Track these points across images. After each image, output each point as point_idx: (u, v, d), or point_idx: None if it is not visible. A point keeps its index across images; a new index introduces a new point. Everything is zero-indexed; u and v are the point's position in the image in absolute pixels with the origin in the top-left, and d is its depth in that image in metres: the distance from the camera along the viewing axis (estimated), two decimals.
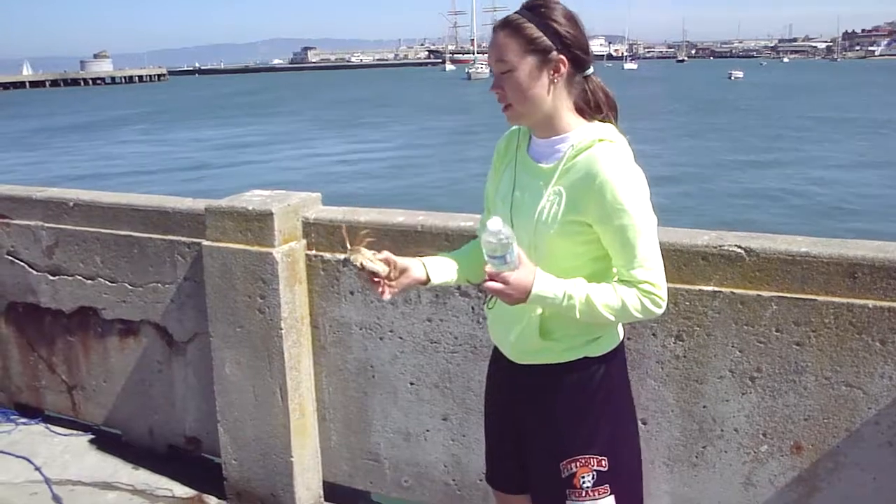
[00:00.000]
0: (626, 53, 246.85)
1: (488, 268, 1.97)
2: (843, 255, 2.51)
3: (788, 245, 2.59)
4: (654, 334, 2.77)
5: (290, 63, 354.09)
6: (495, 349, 2.41)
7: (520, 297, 1.99)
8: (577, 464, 2.20)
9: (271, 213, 3.30)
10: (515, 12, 2.07)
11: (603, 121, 2.14)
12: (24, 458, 4.11)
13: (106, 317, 4.09)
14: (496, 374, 2.47)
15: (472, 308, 3.09)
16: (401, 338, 3.29)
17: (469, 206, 3.43)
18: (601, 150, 2.02)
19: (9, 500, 3.74)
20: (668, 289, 2.66)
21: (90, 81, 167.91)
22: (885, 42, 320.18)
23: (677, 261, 2.70)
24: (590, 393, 2.21)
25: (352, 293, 3.35)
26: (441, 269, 2.30)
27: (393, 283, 2.16)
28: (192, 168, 32.18)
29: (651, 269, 2.01)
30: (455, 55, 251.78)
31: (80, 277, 4.11)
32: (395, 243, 3.08)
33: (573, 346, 2.17)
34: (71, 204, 4.10)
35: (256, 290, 3.35)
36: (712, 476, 2.79)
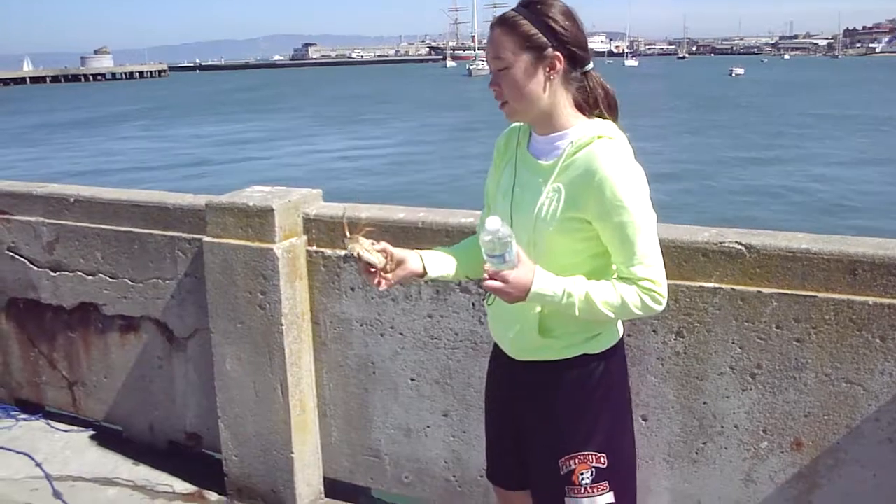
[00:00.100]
0: (626, 50, 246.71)
1: (487, 266, 1.98)
2: (844, 252, 2.51)
3: (789, 242, 2.59)
4: (654, 331, 2.77)
5: (291, 59, 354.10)
6: (495, 346, 2.41)
7: (519, 295, 1.99)
8: (576, 460, 2.20)
9: (272, 210, 3.30)
10: (512, 9, 2.07)
11: (603, 117, 2.13)
12: (24, 453, 4.11)
13: (106, 313, 4.09)
14: (496, 370, 2.47)
15: (473, 304, 3.09)
16: (401, 334, 3.29)
17: (469, 203, 3.43)
18: (600, 146, 2.02)
19: (9, 496, 3.74)
20: (669, 285, 2.66)
21: (90, 77, 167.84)
22: (887, 39, 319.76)
23: (678, 257, 2.70)
24: (589, 390, 2.21)
25: (352, 289, 3.35)
26: (438, 262, 2.31)
27: (389, 276, 2.16)
28: (193, 164, 32.18)
29: (651, 266, 2.01)
30: (456, 52, 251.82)
31: (80, 273, 4.12)
32: (396, 239, 3.07)
33: (572, 344, 2.17)
34: (71, 200, 4.10)
35: (257, 287, 3.35)
36: (712, 472, 2.79)
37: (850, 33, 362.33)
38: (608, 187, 1.96)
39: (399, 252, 2.19)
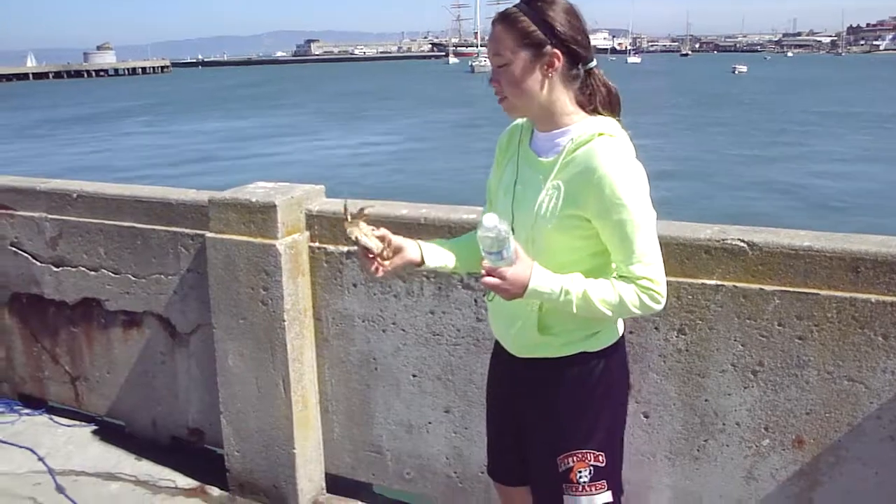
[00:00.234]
0: (629, 47, 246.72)
1: (485, 263, 1.98)
2: (846, 250, 2.51)
3: (791, 239, 2.59)
4: (656, 328, 2.77)
5: (294, 55, 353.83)
6: (497, 343, 2.41)
7: (516, 292, 2.00)
8: (575, 458, 2.21)
9: (275, 205, 3.30)
10: (514, 6, 2.08)
11: (605, 115, 2.13)
12: (27, 448, 4.12)
13: (109, 308, 4.10)
14: (497, 367, 2.47)
15: (475, 301, 3.09)
16: (403, 330, 3.30)
17: (472, 199, 3.42)
18: (601, 144, 2.01)
19: (12, 491, 3.75)
20: (671, 283, 2.67)
21: (93, 73, 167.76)
22: (890, 36, 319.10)
23: (680, 254, 2.70)
24: (589, 388, 2.21)
25: (355, 285, 3.36)
26: (437, 253, 2.32)
27: (386, 263, 2.17)
28: (196, 160, 32.18)
29: (650, 265, 2.01)
30: (458, 48, 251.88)
31: (83, 269, 4.12)
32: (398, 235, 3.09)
33: (571, 341, 2.18)
34: (74, 195, 4.11)
35: (259, 282, 3.36)
36: (714, 469, 2.80)
37: (853, 31, 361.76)
38: (607, 185, 1.95)
39: (398, 240, 2.21)
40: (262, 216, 3.33)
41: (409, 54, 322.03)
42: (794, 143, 33.85)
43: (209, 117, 54.13)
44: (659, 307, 2.05)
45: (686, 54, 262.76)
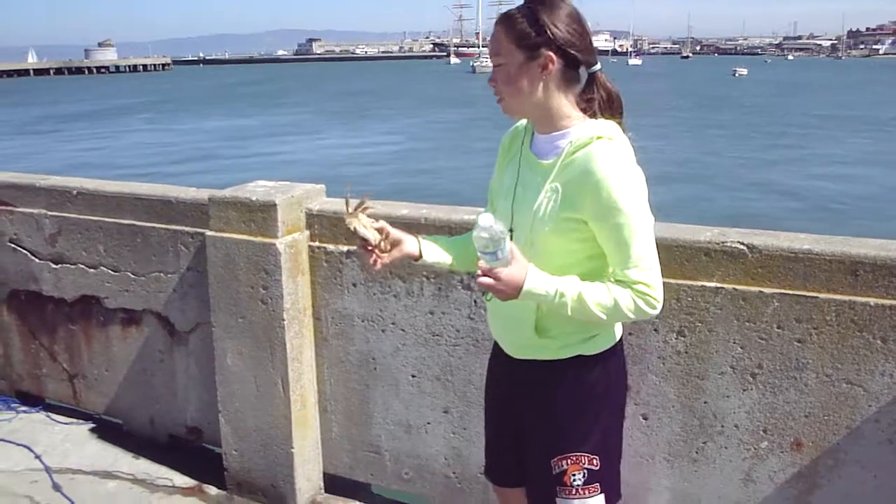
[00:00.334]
0: (630, 49, 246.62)
1: (481, 263, 1.98)
2: (846, 253, 2.51)
3: (791, 242, 2.59)
4: (655, 330, 2.77)
5: (295, 54, 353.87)
6: (496, 344, 2.41)
7: (511, 293, 2.00)
8: (569, 461, 2.21)
9: (275, 204, 3.30)
10: (516, 7, 2.08)
11: (606, 118, 2.12)
12: (24, 446, 4.12)
13: (108, 306, 4.09)
14: (496, 368, 2.48)
15: (475, 301, 3.09)
16: (403, 330, 3.30)
17: (473, 199, 3.43)
18: (599, 147, 2.01)
19: (9, 488, 3.75)
20: (671, 284, 2.68)
21: (94, 70, 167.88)
22: (890, 41, 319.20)
23: (680, 256, 2.70)
24: (585, 391, 2.21)
25: (354, 285, 3.35)
26: (435, 249, 2.34)
27: (383, 255, 2.20)
28: (197, 158, 32.18)
29: (646, 270, 2.00)
30: (460, 48, 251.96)
31: (82, 266, 4.12)
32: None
33: (568, 344, 2.17)
34: (74, 192, 4.11)
35: (259, 281, 3.36)
36: (712, 472, 2.80)
37: (853, 34, 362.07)
38: (604, 189, 1.95)
39: (396, 233, 2.24)
40: (262, 215, 3.33)
41: (410, 54, 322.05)
42: (794, 145, 33.88)
43: (210, 115, 54.13)
44: (655, 312, 2.03)
45: (687, 56, 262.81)
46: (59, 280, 4.23)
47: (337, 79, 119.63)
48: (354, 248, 3.31)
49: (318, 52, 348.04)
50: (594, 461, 2.21)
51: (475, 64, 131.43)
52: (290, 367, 3.39)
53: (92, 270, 4.09)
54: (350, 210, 2.15)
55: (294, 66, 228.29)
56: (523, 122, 2.27)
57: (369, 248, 2.18)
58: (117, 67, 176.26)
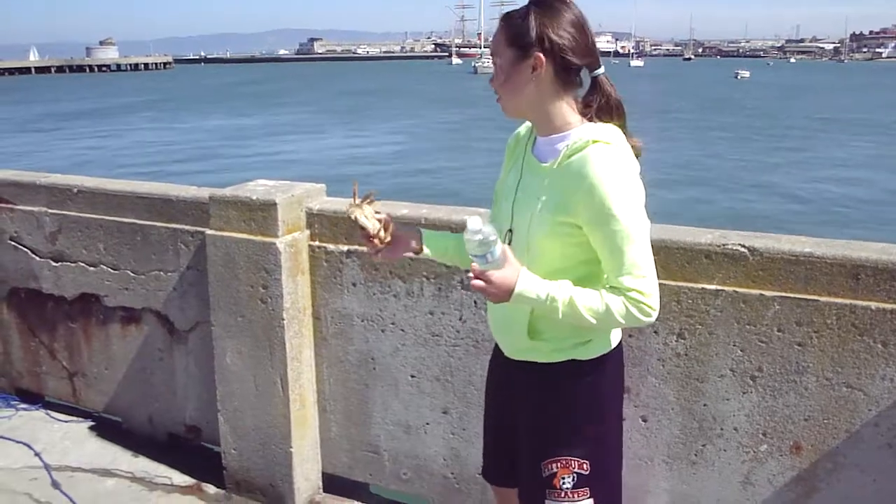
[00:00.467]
0: (632, 50, 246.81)
1: (474, 265, 1.99)
2: (847, 257, 2.50)
3: (792, 245, 2.59)
4: (655, 332, 2.76)
5: (296, 54, 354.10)
6: (496, 344, 2.41)
7: (502, 296, 2.00)
8: (558, 464, 2.20)
9: (275, 204, 3.30)
10: (519, 7, 2.08)
11: (605, 121, 2.10)
12: (23, 443, 4.12)
13: (108, 304, 4.09)
14: (495, 368, 2.48)
15: (475, 302, 3.09)
16: (402, 330, 3.29)
17: (474, 200, 3.43)
18: (594, 151, 1.99)
19: (8, 486, 3.75)
20: (671, 287, 2.68)
21: (95, 68, 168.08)
22: (893, 44, 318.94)
23: (680, 259, 2.70)
24: (578, 396, 2.20)
25: (354, 285, 3.35)
26: (438, 244, 2.39)
27: (381, 246, 2.25)
28: (198, 157, 32.19)
29: (640, 278, 1.97)
30: (461, 49, 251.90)
31: (82, 264, 4.12)
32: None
33: (561, 348, 2.17)
34: (75, 190, 4.10)
35: (259, 280, 3.35)
36: (711, 474, 2.79)
37: (856, 38, 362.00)
38: (597, 194, 1.93)
39: (400, 229, 2.30)
40: (262, 214, 3.33)
41: (412, 54, 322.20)
42: (796, 148, 33.89)
43: (211, 114, 54.14)
44: (649, 320, 2.01)
45: (689, 58, 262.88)
46: (59, 278, 4.23)
47: (338, 78, 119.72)
48: (355, 247, 3.31)
49: (320, 51, 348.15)
50: (584, 466, 2.20)
51: (477, 64, 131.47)
52: (290, 366, 3.39)
53: (92, 268, 4.09)
54: (356, 201, 2.21)
55: (295, 65, 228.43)
56: (528, 123, 2.27)
57: (370, 237, 2.23)
58: (119, 66, 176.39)
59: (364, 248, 3.25)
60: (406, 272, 3.21)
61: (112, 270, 4.02)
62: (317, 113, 54.28)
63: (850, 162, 30.03)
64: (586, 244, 2.03)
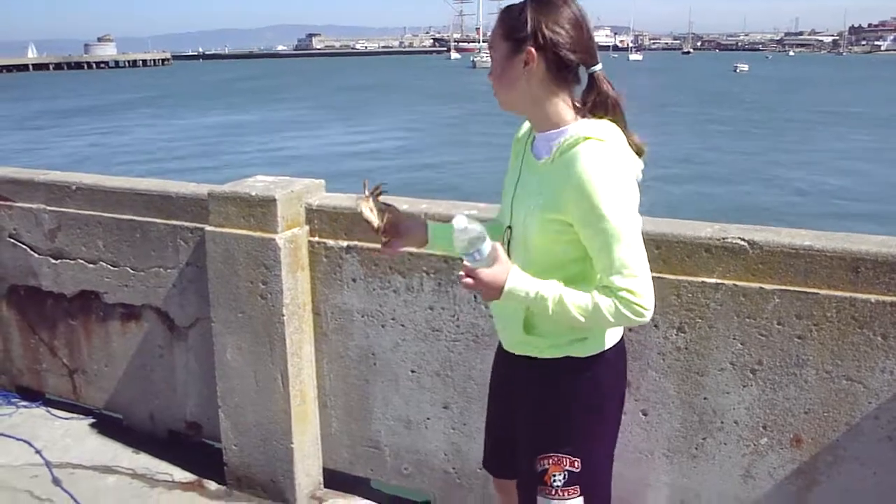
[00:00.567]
0: (631, 44, 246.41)
1: (465, 263, 2.00)
2: (847, 250, 2.50)
3: (792, 238, 2.59)
4: (655, 326, 2.76)
5: (295, 49, 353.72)
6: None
7: (492, 293, 2.02)
8: (550, 461, 2.20)
9: (274, 199, 3.30)
10: (521, 1, 2.07)
11: (599, 117, 2.08)
12: (24, 440, 4.12)
13: (108, 301, 4.09)
14: (499, 362, 2.48)
15: (475, 297, 3.09)
16: (402, 325, 3.29)
17: (474, 194, 3.43)
18: (585, 148, 1.96)
19: (9, 483, 3.75)
20: (671, 281, 2.68)
21: (94, 65, 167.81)
22: (892, 37, 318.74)
23: (680, 252, 2.70)
24: (571, 393, 2.19)
25: (354, 280, 3.35)
26: (444, 233, 2.36)
27: (384, 238, 2.34)
28: (196, 152, 32.17)
29: (630, 277, 1.93)
30: (460, 43, 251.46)
31: (81, 261, 4.11)
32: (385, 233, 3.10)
33: (556, 344, 2.16)
34: (73, 187, 4.10)
35: (259, 276, 3.35)
36: (712, 468, 2.80)
37: (855, 30, 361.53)
38: (586, 192, 1.91)
39: (404, 223, 2.37)
40: (261, 210, 3.33)
41: (410, 49, 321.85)
42: (795, 141, 33.87)
43: (210, 110, 54.08)
44: (642, 320, 1.97)
45: (688, 52, 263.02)
46: (58, 275, 4.22)
47: (337, 74, 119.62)
48: (355, 243, 3.31)
49: (318, 47, 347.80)
50: (575, 464, 2.19)
51: (475, 59, 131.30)
52: (290, 362, 3.39)
53: (91, 265, 4.09)
54: (366, 193, 2.28)
55: (294, 61, 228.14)
56: (524, 120, 2.26)
57: (374, 229, 2.30)
58: (117, 63, 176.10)
59: (364, 244, 3.28)
60: (406, 267, 3.21)
61: (111, 267, 4.02)
62: (315, 109, 54.24)
63: (850, 155, 30.02)
64: (578, 242, 2.02)
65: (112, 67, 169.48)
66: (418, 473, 3.44)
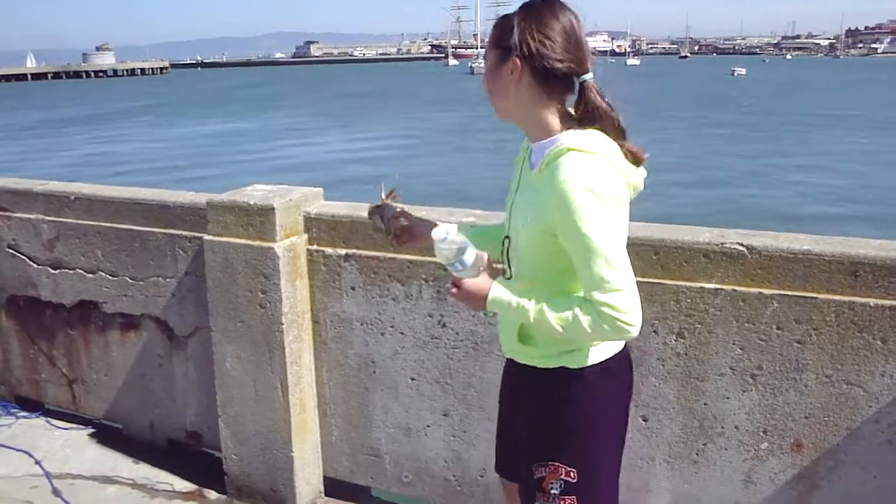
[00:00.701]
0: (628, 49, 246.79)
1: (453, 273, 2.04)
2: (845, 254, 2.50)
3: (790, 243, 2.59)
4: (655, 331, 2.76)
5: (293, 57, 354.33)
6: None
7: (475, 302, 2.06)
8: (547, 469, 2.19)
9: (273, 208, 3.30)
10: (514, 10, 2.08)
11: (586, 127, 2.04)
12: (24, 451, 4.12)
13: (107, 310, 4.09)
14: (506, 368, 2.48)
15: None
16: (402, 333, 3.29)
17: (471, 200, 3.43)
18: (567, 160, 1.94)
19: (9, 494, 3.74)
20: (669, 286, 2.68)
21: (92, 74, 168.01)
22: (888, 40, 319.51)
23: (679, 258, 2.70)
24: (564, 403, 2.17)
25: (353, 288, 3.35)
26: None
27: (394, 241, 2.45)
28: (195, 161, 32.15)
29: (611, 292, 1.89)
30: (458, 50, 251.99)
31: (80, 271, 4.11)
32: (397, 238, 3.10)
33: (549, 354, 2.14)
34: (72, 197, 4.10)
35: (257, 285, 3.35)
36: (713, 473, 2.79)
37: (852, 33, 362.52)
38: (566, 205, 1.89)
39: (418, 222, 2.46)
40: (260, 219, 3.33)
41: (408, 56, 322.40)
42: (793, 144, 33.89)
43: (209, 118, 54.09)
44: (626, 335, 1.93)
45: (685, 56, 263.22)
46: (57, 285, 4.22)
47: (335, 81, 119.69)
48: (353, 251, 3.32)
49: (317, 54, 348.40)
50: (571, 474, 2.17)
51: (473, 65, 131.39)
52: (290, 370, 3.39)
53: (90, 275, 4.08)
54: (383, 196, 2.38)
55: (292, 68, 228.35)
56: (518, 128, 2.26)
57: (387, 235, 2.43)
58: (115, 71, 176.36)
59: (362, 252, 3.28)
60: (405, 275, 3.21)
61: (110, 277, 4.02)
62: (313, 116, 54.22)
63: (847, 157, 30.02)
64: (563, 252, 1.99)
65: (110, 76, 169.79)
66: (418, 481, 3.43)
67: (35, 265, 4.27)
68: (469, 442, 3.25)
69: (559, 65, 1.99)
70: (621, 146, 2.03)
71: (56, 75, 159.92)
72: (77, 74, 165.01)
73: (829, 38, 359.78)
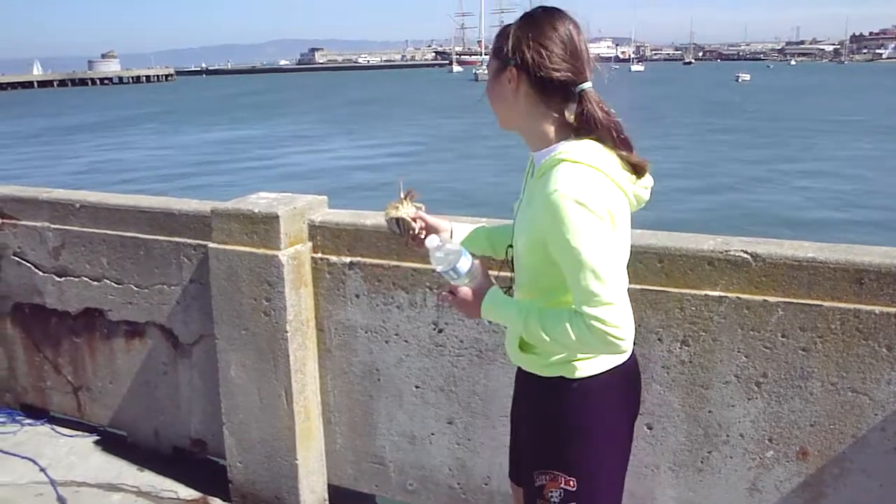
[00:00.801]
0: (632, 55, 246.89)
1: (448, 280, 2.06)
2: (850, 261, 2.50)
3: (795, 250, 2.59)
4: (659, 339, 2.76)
5: (298, 64, 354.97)
6: None
7: (470, 310, 2.08)
8: (547, 477, 2.18)
9: (277, 216, 3.30)
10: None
11: (581, 137, 2.02)
12: (29, 458, 4.12)
13: (112, 318, 4.10)
14: (517, 374, 2.48)
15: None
16: (406, 341, 3.29)
17: (476, 207, 3.43)
18: (560, 171, 1.92)
19: (14, 501, 3.75)
20: (674, 294, 2.67)
21: (98, 81, 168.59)
22: (893, 45, 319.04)
23: (683, 266, 2.70)
24: (563, 413, 2.15)
25: (357, 296, 3.35)
26: (470, 237, 2.43)
27: (410, 242, 2.36)
28: (200, 169, 32.22)
29: (601, 306, 1.85)
30: (462, 56, 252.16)
31: (86, 279, 4.12)
32: (401, 246, 3.11)
33: (548, 364, 2.13)
34: (77, 205, 4.11)
35: (262, 293, 3.35)
36: (718, 481, 2.78)
37: (856, 39, 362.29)
38: (555, 217, 1.87)
39: (433, 221, 2.36)
40: (264, 227, 3.33)
41: (412, 62, 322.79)
42: (798, 150, 33.85)
43: (214, 126, 54.20)
44: (618, 350, 1.90)
45: (689, 62, 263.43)
46: (62, 293, 4.23)
47: (339, 88, 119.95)
48: (357, 259, 3.32)
49: (321, 61, 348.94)
50: (571, 483, 2.16)
51: (478, 72, 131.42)
52: (294, 378, 3.39)
53: (95, 283, 4.09)
54: (401, 196, 2.34)
55: (296, 75, 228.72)
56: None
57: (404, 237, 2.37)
58: (120, 79, 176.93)
59: (367, 260, 3.28)
60: (409, 283, 3.21)
61: (115, 285, 4.03)
62: (319, 123, 54.31)
63: (853, 163, 29.98)
64: (556, 264, 1.97)
65: (116, 83, 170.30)
66: (423, 489, 3.43)
67: (40, 273, 4.28)
68: (473, 450, 3.25)
69: (556, 74, 1.98)
70: (620, 156, 2.01)
71: (62, 83, 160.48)
72: (83, 82, 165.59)
73: (833, 44, 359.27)
